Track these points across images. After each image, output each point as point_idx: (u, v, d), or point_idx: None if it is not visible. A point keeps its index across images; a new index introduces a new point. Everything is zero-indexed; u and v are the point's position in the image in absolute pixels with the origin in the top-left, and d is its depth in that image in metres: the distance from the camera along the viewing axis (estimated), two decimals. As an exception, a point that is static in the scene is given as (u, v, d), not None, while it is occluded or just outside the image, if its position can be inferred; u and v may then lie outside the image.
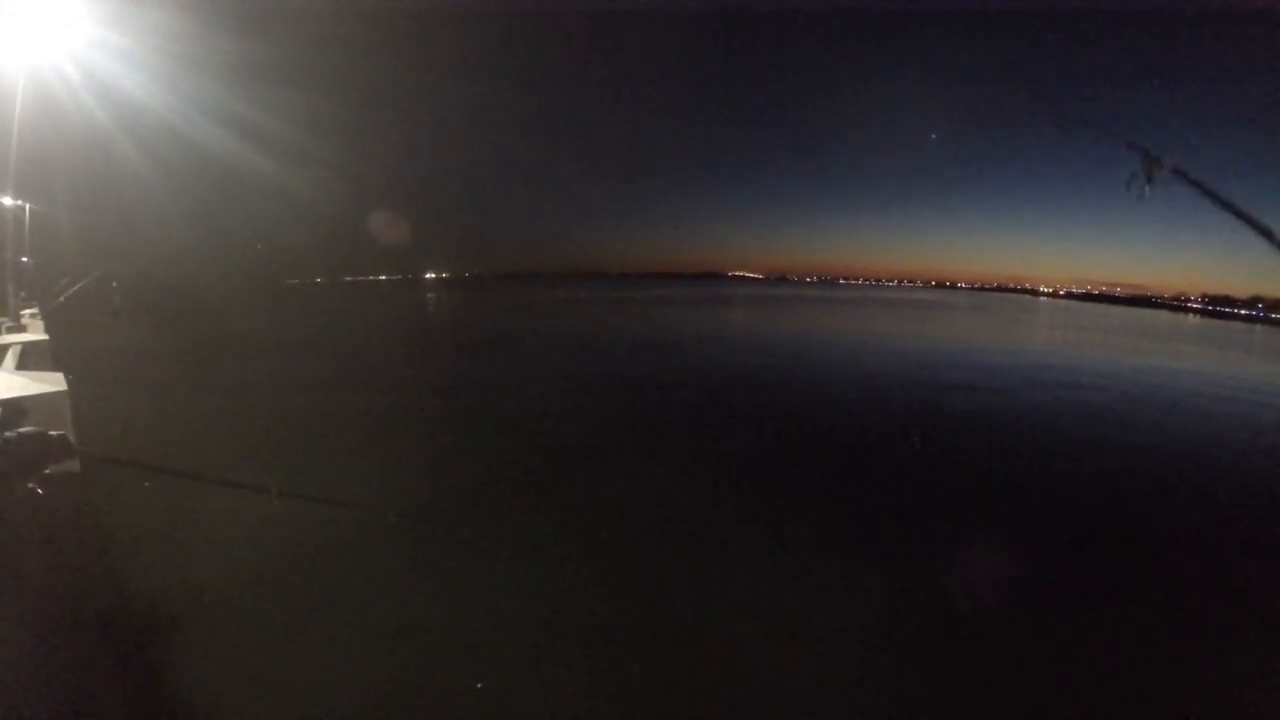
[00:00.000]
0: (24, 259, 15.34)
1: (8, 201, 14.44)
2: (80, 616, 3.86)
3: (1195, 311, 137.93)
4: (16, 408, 4.88)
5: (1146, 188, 2.08)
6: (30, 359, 8.52)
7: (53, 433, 2.92)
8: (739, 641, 5.98)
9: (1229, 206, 1.87)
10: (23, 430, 2.89)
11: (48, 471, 2.96)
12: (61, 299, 17.58)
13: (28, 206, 15.44)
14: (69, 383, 5.88)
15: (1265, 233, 1.75)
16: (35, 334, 10.85)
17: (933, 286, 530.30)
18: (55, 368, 7.65)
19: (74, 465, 3.18)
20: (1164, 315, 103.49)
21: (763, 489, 10.20)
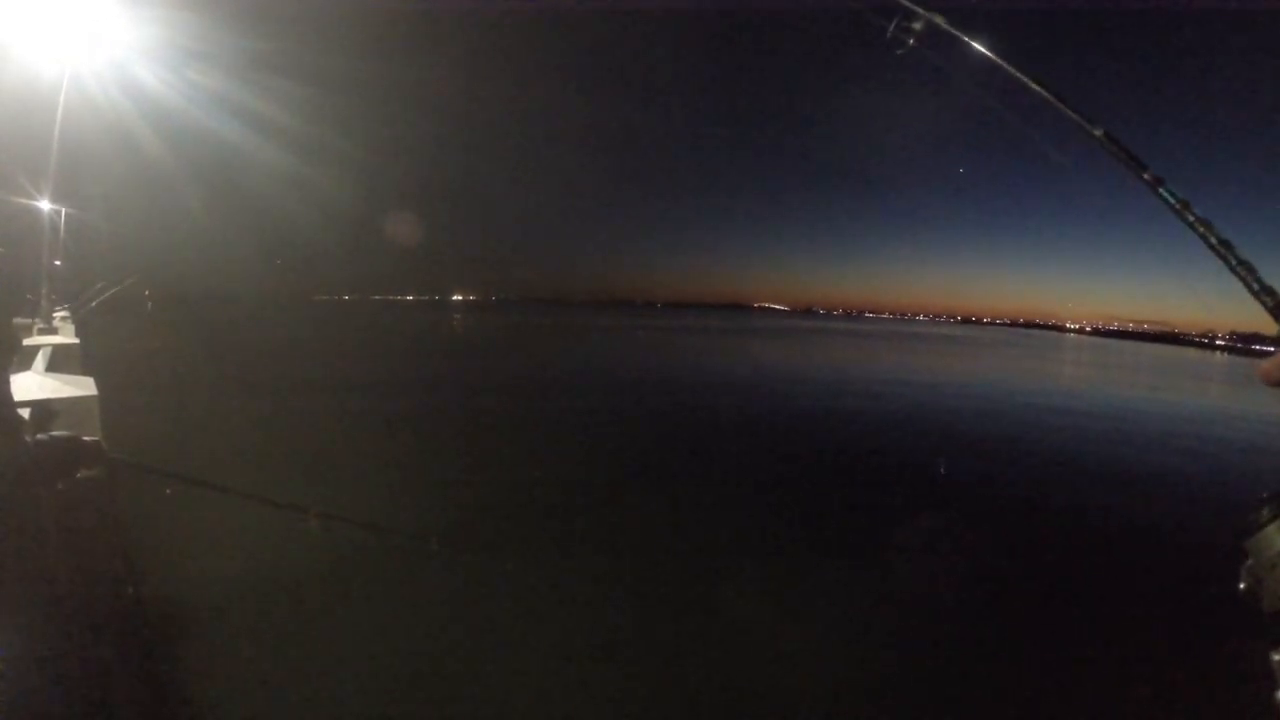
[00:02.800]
0: (56, 262, 15.39)
1: (46, 206, 14.52)
2: (100, 619, 3.74)
3: (1222, 349, 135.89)
4: (46, 410, 4.75)
5: (911, 43, 1.87)
6: (60, 361, 8.44)
7: (86, 438, 2.90)
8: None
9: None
10: (55, 434, 2.86)
11: (77, 476, 2.93)
12: (94, 304, 17.59)
13: (64, 211, 15.53)
14: (98, 386, 5.78)
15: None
16: (66, 336, 10.82)
17: (959, 322, 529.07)
18: (84, 371, 7.56)
19: (103, 471, 3.11)
20: (1191, 353, 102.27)
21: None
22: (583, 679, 5.55)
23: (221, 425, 13.92)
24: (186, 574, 6.25)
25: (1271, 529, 0.98)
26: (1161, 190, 1.27)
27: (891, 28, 1.91)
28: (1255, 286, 1.12)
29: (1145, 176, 1.30)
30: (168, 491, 6.15)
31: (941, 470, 13.02)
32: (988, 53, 1.68)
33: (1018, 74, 1.60)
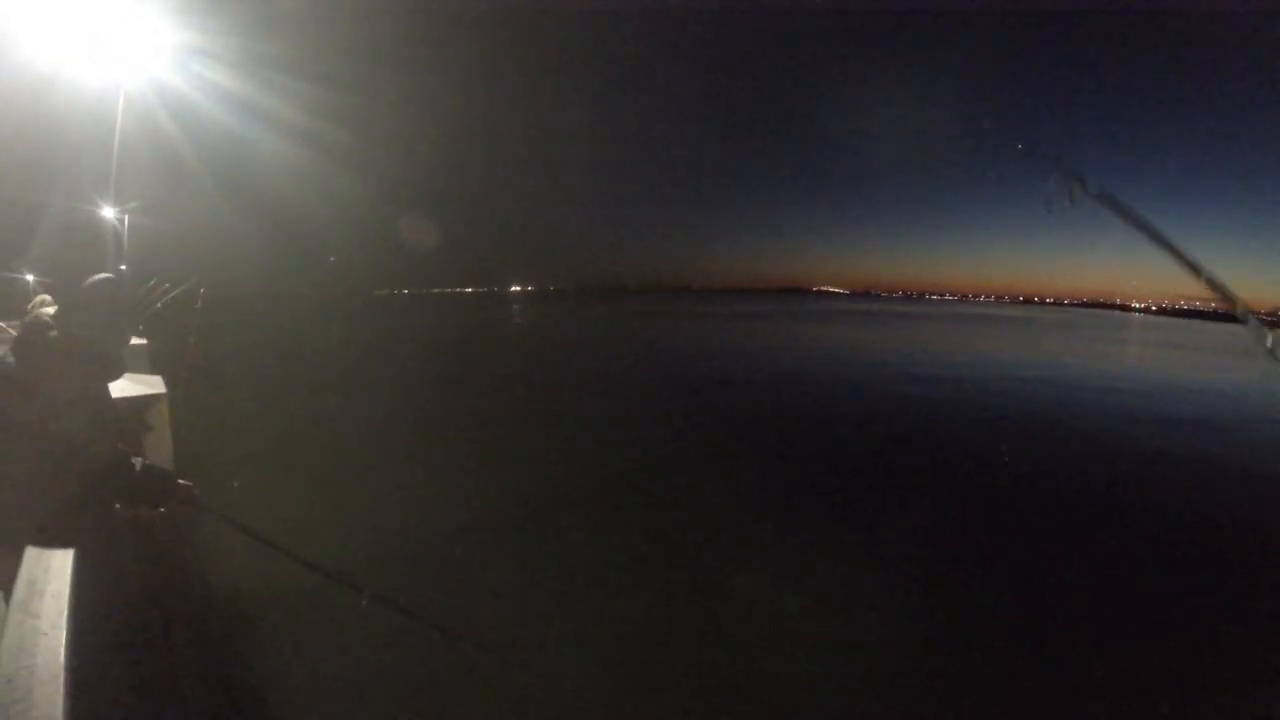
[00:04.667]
0: (122, 267, 15.74)
1: (109, 213, 14.87)
2: (170, 616, 3.97)
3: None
4: (119, 408, 4.89)
5: (1068, 205, 1.94)
6: (130, 361, 8.64)
7: (181, 481, 3.09)
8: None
9: (1154, 233, 1.82)
10: (153, 464, 3.05)
11: (161, 510, 3.21)
12: (159, 305, 17.89)
13: (126, 218, 15.85)
14: (167, 385, 5.92)
15: (1191, 265, 1.74)
16: (135, 338, 11.06)
17: (1022, 302, 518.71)
18: (153, 371, 7.76)
19: (187, 508, 3.25)
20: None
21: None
22: (613, 662, 5.64)
23: (289, 423, 14.20)
24: (249, 582, 6.29)
25: None
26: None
27: (1051, 197, 1.92)
28: None
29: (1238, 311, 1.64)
30: (235, 484, 6.24)
31: (1005, 459, 12.70)
32: (1137, 218, 1.82)
33: (1161, 236, 1.78)
